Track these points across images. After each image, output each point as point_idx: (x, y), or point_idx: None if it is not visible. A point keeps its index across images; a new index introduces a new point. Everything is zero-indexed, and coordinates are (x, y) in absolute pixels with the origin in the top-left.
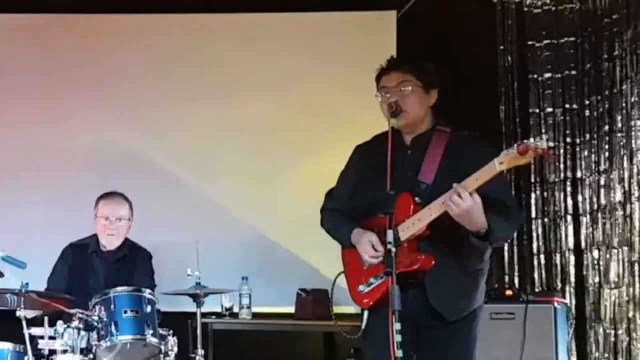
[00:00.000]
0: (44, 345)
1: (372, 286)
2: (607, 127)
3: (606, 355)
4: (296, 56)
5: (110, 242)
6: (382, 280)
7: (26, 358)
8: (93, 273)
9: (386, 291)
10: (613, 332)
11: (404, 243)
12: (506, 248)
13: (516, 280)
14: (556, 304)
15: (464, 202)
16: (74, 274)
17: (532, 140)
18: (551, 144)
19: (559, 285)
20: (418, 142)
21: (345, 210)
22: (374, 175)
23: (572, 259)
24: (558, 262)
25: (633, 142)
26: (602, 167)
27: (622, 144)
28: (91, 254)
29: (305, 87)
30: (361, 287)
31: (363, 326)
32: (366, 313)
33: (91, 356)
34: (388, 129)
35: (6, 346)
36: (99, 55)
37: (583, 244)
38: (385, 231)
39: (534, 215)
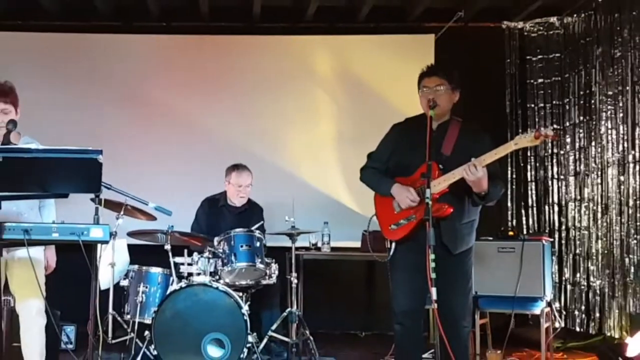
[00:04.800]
0: (184, 269)
1: (401, 225)
2: (582, 117)
3: (579, 276)
4: (362, 67)
5: (240, 202)
6: (409, 221)
7: (171, 278)
8: (223, 220)
9: (412, 229)
10: (582, 259)
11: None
12: (509, 202)
13: (516, 224)
14: (544, 241)
15: (478, 172)
16: (209, 219)
17: (542, 129)
18: (553, 131)
19: (547, 228)
20: (442, 127)
21: (381, 169)
22: (408, 146)
23: (556, 209)
24: (546, 211)
25: (601, 128)
26: (577, 146)
27: (593, 129)
28: (221, 207)
29: (368, 90)
30: (392, 226)
31: (391, 253)
32: (394, 244)
33: (217, 277)
34: (415, 115)
35: (157, 270)
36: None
37: (563, 199)
38: (413, 186)
39: (529, 178)
